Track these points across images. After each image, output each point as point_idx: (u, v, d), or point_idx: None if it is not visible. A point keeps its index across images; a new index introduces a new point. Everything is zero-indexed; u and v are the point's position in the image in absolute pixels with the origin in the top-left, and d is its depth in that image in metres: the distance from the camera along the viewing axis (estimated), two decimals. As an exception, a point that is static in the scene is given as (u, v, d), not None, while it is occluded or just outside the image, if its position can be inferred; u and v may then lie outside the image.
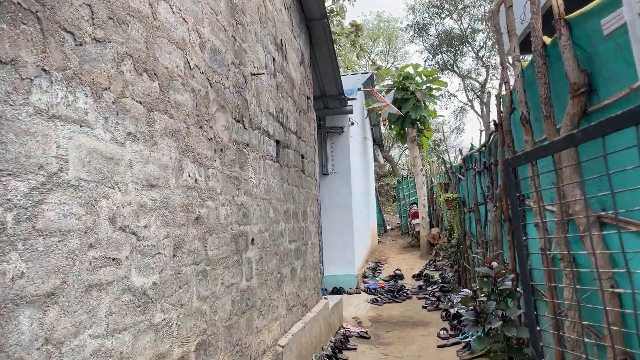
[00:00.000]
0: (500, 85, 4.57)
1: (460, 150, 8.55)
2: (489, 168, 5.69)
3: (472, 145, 7.55)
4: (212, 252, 3.00)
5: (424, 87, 12.72)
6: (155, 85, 2.44)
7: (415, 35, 27.64)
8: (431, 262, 12.00)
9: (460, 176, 8.08)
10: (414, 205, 16.47)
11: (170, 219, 2.50)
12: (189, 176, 2.75)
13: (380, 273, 11.20)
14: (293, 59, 5.43)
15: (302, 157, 5.68)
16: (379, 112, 9.96)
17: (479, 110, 31.31)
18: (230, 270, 3.28)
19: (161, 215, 2.42)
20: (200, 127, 2.93)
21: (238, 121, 3.59)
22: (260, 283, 3.87)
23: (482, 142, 6.08)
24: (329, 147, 10.05)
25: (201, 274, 2.84)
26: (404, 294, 9.05)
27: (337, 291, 9.44)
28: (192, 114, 2.83)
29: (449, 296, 8.57)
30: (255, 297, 3.73)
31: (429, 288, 9.50)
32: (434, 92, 13.18)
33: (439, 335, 6.34)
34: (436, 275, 10.40)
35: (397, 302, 8.72)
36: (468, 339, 5.85)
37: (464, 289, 8.87)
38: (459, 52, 27.81)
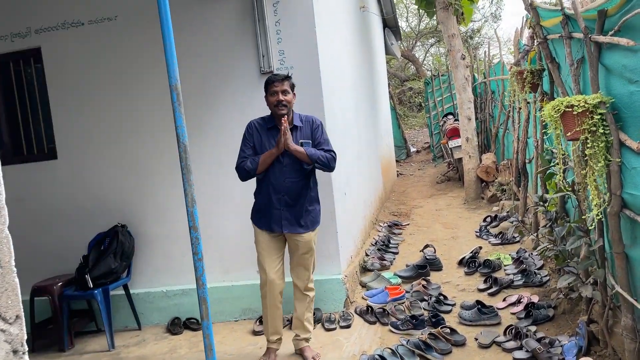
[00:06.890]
0: None
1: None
2: None
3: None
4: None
5: None
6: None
7: None
8: (489, 220, 6.85)
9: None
10: (450, 117, 10.94)
11: None
12: None
13: (396, 254, 6.15)
14: None
15: None
16: None
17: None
18: None
19: None
20: None
21: None
22: None
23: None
24: (269, 17, 4.65)
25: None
26: (446, 331, 4.03)
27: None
28: None
29: (556, 343, 3.52)
30: None
31: (500, 306, 4.44)
32: None
33: None
34: (507, 262, 5.31)
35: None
36: None
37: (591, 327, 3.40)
38: None
